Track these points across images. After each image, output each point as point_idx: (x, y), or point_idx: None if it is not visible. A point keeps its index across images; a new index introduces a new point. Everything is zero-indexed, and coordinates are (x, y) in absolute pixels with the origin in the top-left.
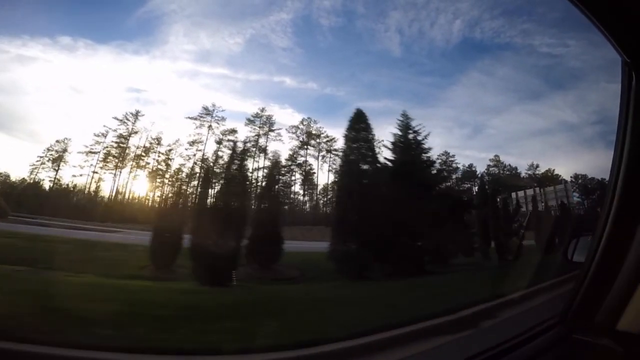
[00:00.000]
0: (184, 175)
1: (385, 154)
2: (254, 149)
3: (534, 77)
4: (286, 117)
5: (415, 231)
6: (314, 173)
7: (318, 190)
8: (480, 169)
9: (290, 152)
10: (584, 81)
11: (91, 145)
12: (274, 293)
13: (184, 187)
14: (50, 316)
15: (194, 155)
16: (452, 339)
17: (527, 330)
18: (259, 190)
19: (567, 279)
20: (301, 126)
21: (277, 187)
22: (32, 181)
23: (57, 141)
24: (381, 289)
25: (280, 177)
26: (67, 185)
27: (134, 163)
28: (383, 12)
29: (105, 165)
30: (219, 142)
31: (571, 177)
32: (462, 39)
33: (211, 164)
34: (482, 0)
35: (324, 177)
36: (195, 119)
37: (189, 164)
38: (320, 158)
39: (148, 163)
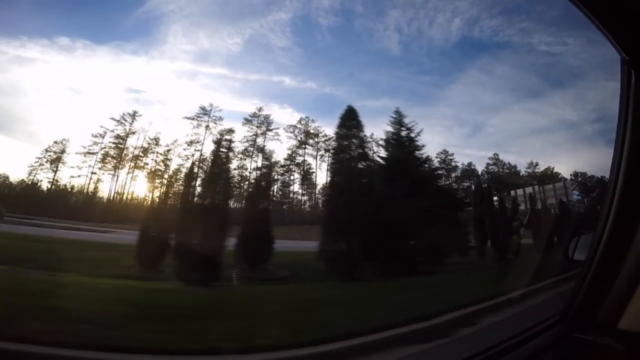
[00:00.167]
0: (182, 175)
1: (381, 152)
2: (252, 149)
3: (533, 75)
4: (285, 116)
5: (408, 230)
6: (313, 172)
7: (317, 190)
8: (480, 167)
9: (289, 152)
10: (583, 79)
11: (89, 146)
12: (253, 293)
13: (180, 187)
14: (17, 311)
15: (192, 155)
16: (453, 338)
17: (527, 329)
18: (249, 190)
19: (565, 278)
20: (299, 125)
21: (267, 186)
22: (30, 182)
23: (55, 142)
24: (368, 290)
25: (270, 176)
26: (65, 186)
27: (132, 164)
28: (382, 11)
29: (104, 166)
30: (216, 142)
31: (571, 175)
32: (460, 38)
33: (197, 164)
34: None
35: (323, 176)
36: (193, 119)
37: (188, 164)
38: (319, 157)
39: (147, 163)
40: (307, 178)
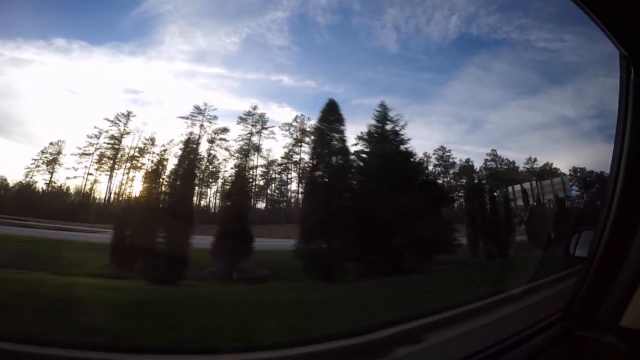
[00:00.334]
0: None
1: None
2: (247, 147)
3: (531, 72)
4: (284, 115)
5: (390, 227)
6: None
7: None
8: (479, 163)
9: (286, 150)
10: (582, 75)
11: (84, 147)
12: (210, 292)
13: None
14: None
15: (189, 155)
16: (453, 336)
17: (529, 326)
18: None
19: (559, 278)
20: (295, 123)
21: (245, 184)
22: (25, 184)
23: (51, 143)
24: (340, 292)
25: (245, 174)
26: (61, 187)
27: (129, 164)
28: (379, 9)
29: (100, 167)
30: (211, 141)
31: (569, 170)
32: (458, 35)
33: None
34: None
35: None
36: (187, 118)
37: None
38: None
39: (143, 164)
40: (304, 176)
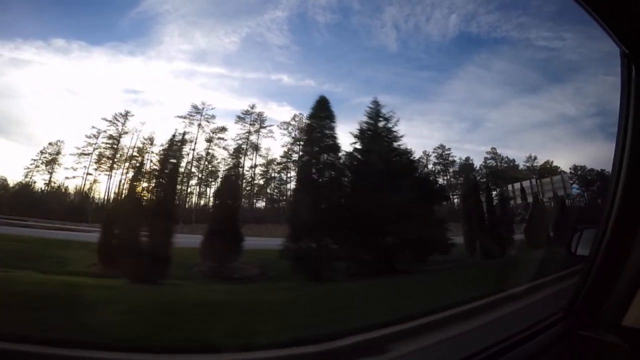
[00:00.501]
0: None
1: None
2: (245, 146)
3: (531, 70)
4: (284, 114)
5: (382, 226)
6: None
7: None
8: (479, 162)
9: (285, 149)
10: (582, 74)
11: (83, 147)
12: (192, 292)
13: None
14: None
15: (187, 154)
16: (453, 335)
17: (530, 326)
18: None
19: (558, 278)
20: (293, 122)
21: (235, 182)
22: (24, 184)
23: (50, 144)
24: (324, 292)
25: (237, 172)
26: (59, 187)
27: (128, 164)
28: (379, 8)
29: (99, 167)
30: (209, 140)
31: (570, 168)
32: (458, 34)
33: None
34: None
35: None
36: (185, 117)
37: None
38: None
39: (143, 164)
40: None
